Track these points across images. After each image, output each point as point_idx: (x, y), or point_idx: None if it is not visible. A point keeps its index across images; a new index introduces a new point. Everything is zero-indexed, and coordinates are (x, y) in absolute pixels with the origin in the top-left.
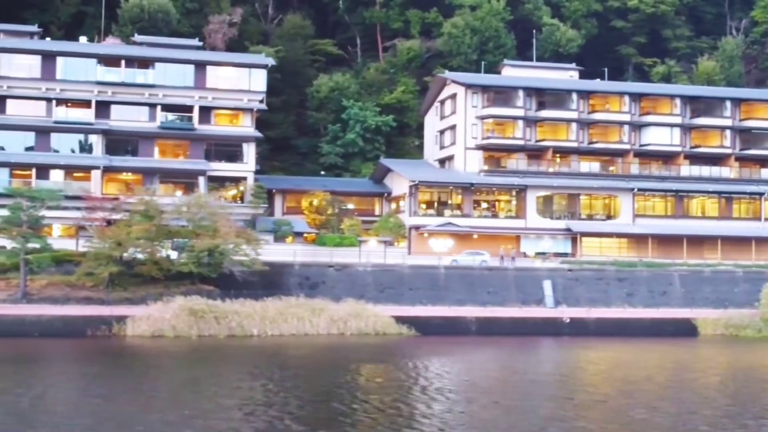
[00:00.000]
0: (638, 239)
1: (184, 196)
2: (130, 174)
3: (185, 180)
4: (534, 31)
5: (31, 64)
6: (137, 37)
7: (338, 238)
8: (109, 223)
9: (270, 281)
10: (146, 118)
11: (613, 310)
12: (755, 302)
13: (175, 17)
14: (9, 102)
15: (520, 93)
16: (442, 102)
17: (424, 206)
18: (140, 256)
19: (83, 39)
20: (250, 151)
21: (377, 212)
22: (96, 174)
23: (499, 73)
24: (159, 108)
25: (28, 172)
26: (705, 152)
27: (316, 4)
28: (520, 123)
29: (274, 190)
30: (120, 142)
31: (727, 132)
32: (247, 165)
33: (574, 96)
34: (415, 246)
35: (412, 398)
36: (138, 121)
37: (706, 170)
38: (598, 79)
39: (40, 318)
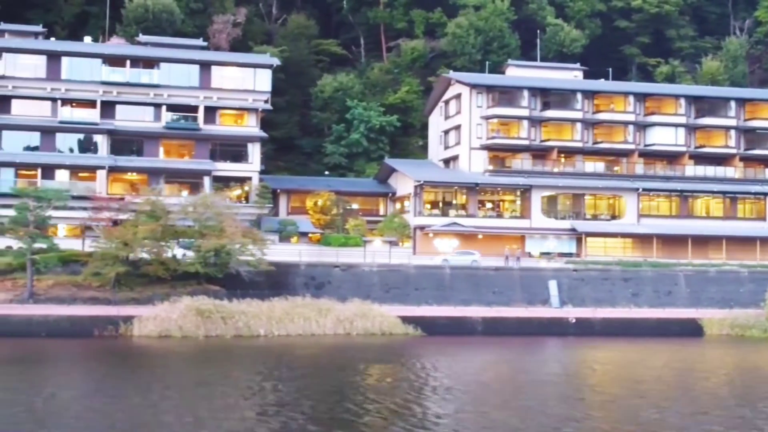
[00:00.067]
0: (643, 239)
1: (191, 196)
2: (135, 174)
3: (190, 180)
4: (538, 31)
5: (36, 64)
6: (141, 37)
7: (343, 238)
8: (115, 223)
9: (276, 281)
10: (151, 118)
11: (618, 310)
12: (761, 302)
13: (180, 17)
14: (14, 102)
15: (525, 93)
16: (447, 102)
17: (428, 206)
18: (146, 256)
19: (87, 39)
20: (255, 151)
21: (381, 212)
22: (101, 174)
23: (503, 73)
24: (164, 108)
25: (33, 172)
26: (710, 152)
27: (320, 4)
28: (525, 123)
29: (278, 190)
30: (125, 142)
31: (732, 132)
32: (252, 165)
33: (579, 96)
34: (420, 246)
35: (424, 398)
36: (143, 121)
37: (710, 170)
38: (603, 79)
39: (47, 318)
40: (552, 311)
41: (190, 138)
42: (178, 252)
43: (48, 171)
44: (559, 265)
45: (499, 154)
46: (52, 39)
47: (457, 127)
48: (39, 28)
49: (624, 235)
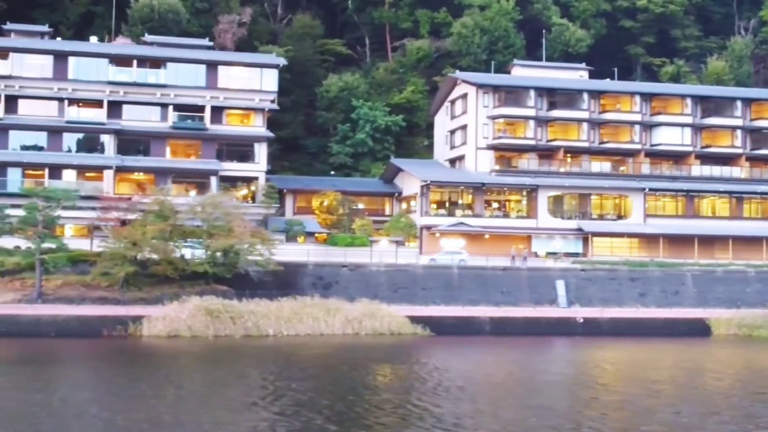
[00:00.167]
0: (649, 239)
1: (199, 196)
2: (142, 174)
3: (197, 180)
4: (543, 30)
5: (43, 64)
6: (148, 37)
7: (349, 238)
8: (123, 223)
9: (284, 281)
10: (158, 118)
11: (626, 310)
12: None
13: (185, 17)
14: (21, 102)
15: (531, 93)
16: (453, 102)
17: (435, 206)
18: (155, 256)
19: (93, 39)
20: (261, 151)
21: (387, 212)
22: (108, 174)
23: (508, 73)
24: (171, 108)
25: (40, 172)
26: (716, 152)
27: (325, 4)
28: (531, 123)
29: (284, 190)
30: (132, 142)
31: (738, 132)
32: (259, 165)
33: (585, 96)
34: (427, 246)
35: (439, 398)
36: (150, 121)
37: (717, 170)
38: (608, 79)
39: (56, 318)
40: (560, 311)
41: (196, 138)
42: (186, 252)
43: (55, 171)
44: (567, 265)
45: (505, 153)
46: (58, 39)
47: (464, 127)
48: (45, 28)
49: (630, 235)
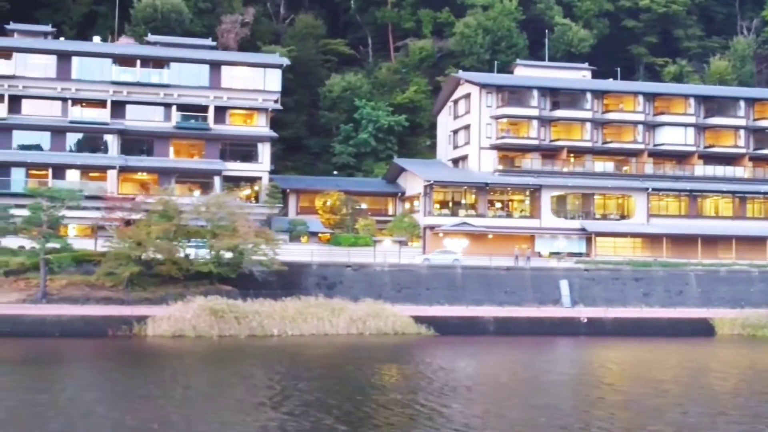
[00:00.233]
0: (652, 239)
1: (203, 196)
2: (145, 174)
3: (201, 180)
4: (546, 30)
5: (47, 64)
6: (151, 37)
7: (353, 237)
8: (127, 223)
9: (288, 281)
10: (161, 117)
11: (630, 310)
12: None
13: (188, 17)
14: (24, 102)
15: (535, 93)
16: (456, 102)
17: (438, 206)
18: (159, 256)
19: (96, 39)
20: (265, 151)
21: (390, 212)
22: (112, 174)
23: (511, 72)
24: (174, 108)
25: (43, 172)
26: (719, 152)
27: (328, 4)
28: (535, 123)
29: (287, 190)
30: (135, 142)
31: (741, 132)
32: (262, 165)
33: (588, 96)
34: (430, 246)
35: (446, 398)
36: (153, 120)
37: (720, 170)
38: (611, 79)
39: (61, 318)
40: (563, 311)
41: (200, 138)
42: (191, 251)
43: (58, 171)
44: (570, 265)
45: (508, 153)
46: (61, 39)
47: (467, 127)
48: (48, 28)
49: (633, 235)
